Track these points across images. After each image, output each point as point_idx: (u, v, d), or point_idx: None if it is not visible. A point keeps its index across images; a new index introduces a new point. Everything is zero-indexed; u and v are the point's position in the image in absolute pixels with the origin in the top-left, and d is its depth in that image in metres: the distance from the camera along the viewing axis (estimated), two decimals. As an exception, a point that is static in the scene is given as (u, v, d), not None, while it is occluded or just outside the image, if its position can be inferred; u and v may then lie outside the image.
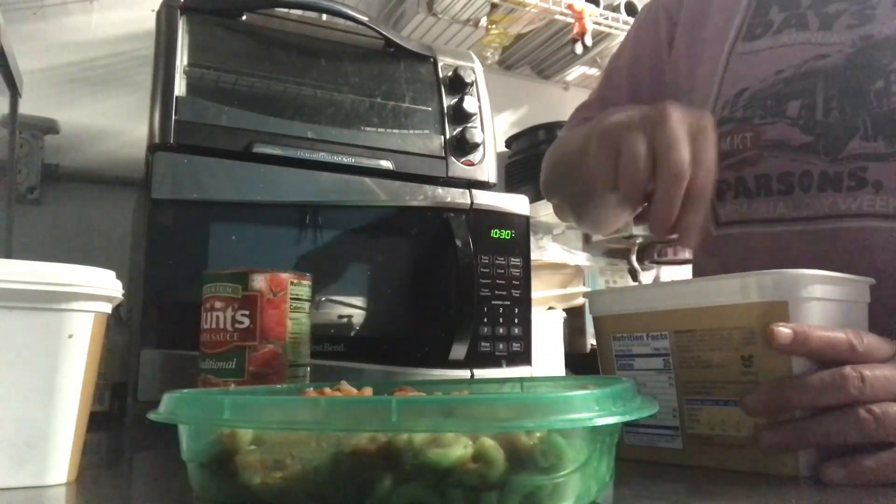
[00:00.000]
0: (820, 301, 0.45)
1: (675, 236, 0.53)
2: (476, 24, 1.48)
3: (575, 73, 1.73)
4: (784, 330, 0.43)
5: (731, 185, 0.68)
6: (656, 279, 1.77)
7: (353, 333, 0.85)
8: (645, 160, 0.51)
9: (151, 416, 0.38)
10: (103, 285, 0.45)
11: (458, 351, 0.86)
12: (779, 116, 0.64)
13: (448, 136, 0.96)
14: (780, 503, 0.39)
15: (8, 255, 1.08)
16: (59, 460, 0.43)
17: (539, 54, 1.69)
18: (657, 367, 0.50)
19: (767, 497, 0.40)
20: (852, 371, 0.42)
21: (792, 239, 0.64)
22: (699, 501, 0.40)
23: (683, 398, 0.48)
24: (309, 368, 0.66)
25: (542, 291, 1.29)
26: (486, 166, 0.97)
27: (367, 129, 0.92)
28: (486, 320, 0.89)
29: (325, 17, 1.05)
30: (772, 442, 0.43)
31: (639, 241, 1.64)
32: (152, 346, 0.74)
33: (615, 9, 1.55)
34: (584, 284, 1.42)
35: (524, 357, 0.92)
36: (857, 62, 0.62)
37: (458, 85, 0.99)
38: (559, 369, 1.17)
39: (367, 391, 0.46)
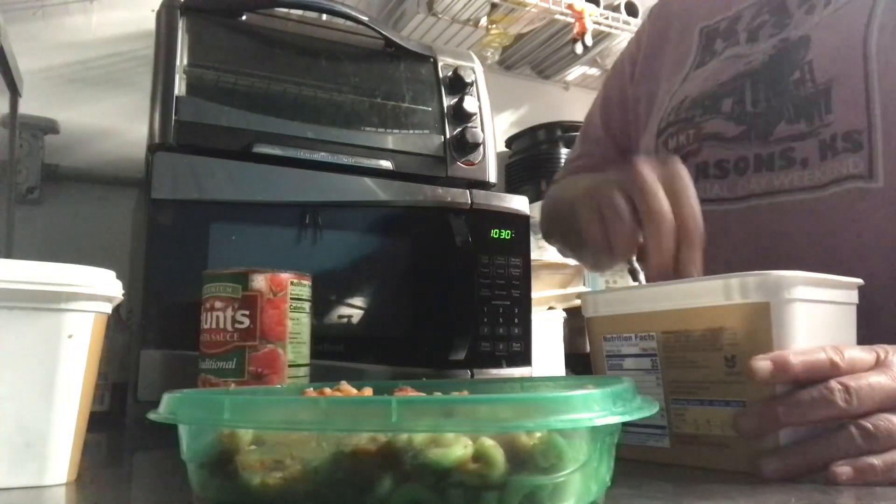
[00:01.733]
0: (804, 303, 0.45)
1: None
2: (476, 24, 1.48)
3: (575, 73, 1.73)
4: (762, 364, 0.43)
5: None
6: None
7: (353, 333, 0.85)
8: (628, 214, 0.57)
9: (151, 416, 0.38)
10: (103, 285, 0.45)
11: (458, 351, 0.86)
12: (715, 112, 0.72)
13: (448, 136, 0.96)
14: (779, 503, 0.39)
15: (8, 255, 1.08)
16: (58, 460, 0.43)
17: (539, 54, 1.69)
18: (645, 368, 0.51)
19: (766, 496, 0.40)
20: (837, 384, 0.43)
21: (729, 218, 0.69)
22: (699, 502, 0.40)
23: (670, 398, 0.49)
24: (309, 368, 0.66)
25: (542, 291, 1.28)
26: (486, 166, 0.97)
27: (367, 129, 0.92)
28: (486, 320, 0.89)
29: (325, 17, 1.05)
30: (775, 469, 0.43)
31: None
32: (152, 346, 0.74)
33: (615, 9, 1.55)
34: (583, 284, 1.42)
35: (524, 357, 0.92)
36: (777, 60, 0.70)
37: (458, 85, 0.99)
38: (559, 369, 1.17)
39: (367, 391, 0.46)
